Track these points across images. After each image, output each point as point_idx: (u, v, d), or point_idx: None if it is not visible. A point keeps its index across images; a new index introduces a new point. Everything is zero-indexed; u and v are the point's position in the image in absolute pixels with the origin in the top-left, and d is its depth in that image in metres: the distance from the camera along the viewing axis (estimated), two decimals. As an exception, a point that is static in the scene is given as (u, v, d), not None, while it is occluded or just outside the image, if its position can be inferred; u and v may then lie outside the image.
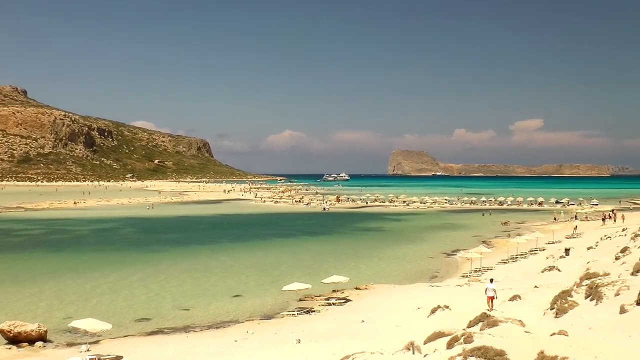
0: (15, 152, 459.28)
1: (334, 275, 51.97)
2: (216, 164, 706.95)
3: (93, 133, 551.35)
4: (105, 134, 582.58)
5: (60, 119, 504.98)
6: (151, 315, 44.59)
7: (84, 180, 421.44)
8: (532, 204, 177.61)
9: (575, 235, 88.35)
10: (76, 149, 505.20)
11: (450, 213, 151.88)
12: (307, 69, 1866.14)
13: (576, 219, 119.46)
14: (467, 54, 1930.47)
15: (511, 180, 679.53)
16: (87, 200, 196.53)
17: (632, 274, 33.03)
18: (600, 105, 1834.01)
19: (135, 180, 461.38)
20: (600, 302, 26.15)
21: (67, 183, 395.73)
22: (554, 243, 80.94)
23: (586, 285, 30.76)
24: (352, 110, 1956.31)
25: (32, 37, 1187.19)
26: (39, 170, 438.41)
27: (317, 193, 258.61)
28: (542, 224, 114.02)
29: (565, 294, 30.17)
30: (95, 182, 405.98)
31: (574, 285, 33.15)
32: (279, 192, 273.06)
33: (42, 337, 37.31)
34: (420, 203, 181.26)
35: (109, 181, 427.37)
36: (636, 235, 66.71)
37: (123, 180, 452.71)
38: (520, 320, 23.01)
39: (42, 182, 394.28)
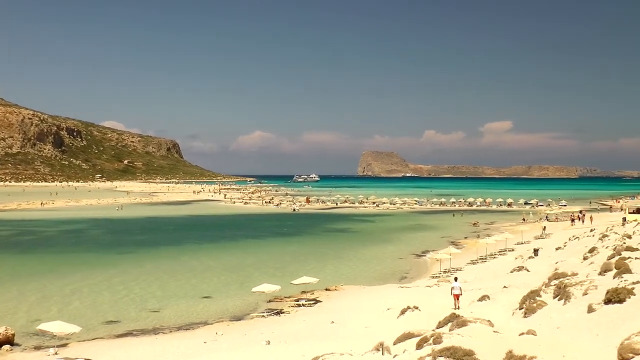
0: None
1: (303, 277, 51.96)
2: (186, 165, 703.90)
3: (62, 133, 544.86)
4: (74, 133, 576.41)
5: (29, 119, 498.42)
6: (120, 318, 44.25)
7: (52, 181, 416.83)
8: (501, 205, 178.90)
9: (544, 236, 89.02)
10: (45, 148, 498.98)
11: (419, 214, 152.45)
12: (276, 70, 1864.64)
13: (547, 219, 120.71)
14: (437, 56, 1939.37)
15: (480, 181, 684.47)
16: (56, 201, 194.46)
17: (600, 273, 33.29)
18: (569, 108, 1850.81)
19: (104, 181, 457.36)
20: (569, 302, 26.30)
21: (35, 183, 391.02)
22: (523, 244, 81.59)
23: (555, 285, 30.93)
24: (322, 111, 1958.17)
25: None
26: (7, 171, 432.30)
27: (287, 194, 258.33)
28: (511, 225, 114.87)
29: (533, 294, 30.32)
30: (64, 183, 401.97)
31: (543, 285, 33.33)
32: (249, 193, 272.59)
33: (10, 341, 36.78)
34: (390, 204, 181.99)
35: (78, 182, 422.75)
36: (604, 236, 67.48)
37: (92, 181, 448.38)
38: (489, 320, 23.06)
39: (10, 182, 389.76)
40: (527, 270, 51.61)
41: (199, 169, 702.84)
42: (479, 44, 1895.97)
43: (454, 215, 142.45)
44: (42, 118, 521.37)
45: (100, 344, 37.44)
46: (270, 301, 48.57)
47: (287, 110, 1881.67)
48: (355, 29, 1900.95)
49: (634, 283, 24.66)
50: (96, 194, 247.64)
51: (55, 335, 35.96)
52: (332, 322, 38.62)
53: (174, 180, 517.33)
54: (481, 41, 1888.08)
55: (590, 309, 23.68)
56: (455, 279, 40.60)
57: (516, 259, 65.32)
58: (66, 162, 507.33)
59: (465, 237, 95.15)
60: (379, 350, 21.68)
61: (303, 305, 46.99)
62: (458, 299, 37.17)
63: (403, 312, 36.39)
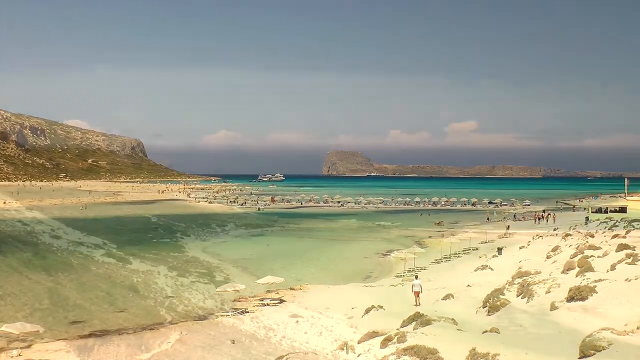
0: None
1: (268, 276, 51.79)
2: (150, 164, 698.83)
3: (25, 131, 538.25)
4: (38, 132, 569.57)
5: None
6: (85, 318, 43.73)
7: (15, 180, 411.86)
8: (465, 204, 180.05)
9: (508, 235, 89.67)
10: (8, 147, 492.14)
11: (384, 213, 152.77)
12: (242, 69, 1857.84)
13: (515, 218, 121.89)
14: (402, 56, 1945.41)
15: (445, 181, 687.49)
16: (19, 200, 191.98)
17: (563, 272, 33.64)
18: (534, 108, 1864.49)
19: (68, 180, 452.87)
20: (532, 300, 26.52)
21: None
22: (487, 243, 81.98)
23: (518, 283, 31.19)
24: (287, 110, 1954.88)
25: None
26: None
27: (251, 193, 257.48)
28: (476, 224, 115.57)
29: (497, 292, 30.52)
30: (27, 182, 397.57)
31: (506, 284, 33.59)
32: (214, 192, 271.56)
33: (-29, 343, 36.27)
34: (355, 203, 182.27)
35: (41, 181, 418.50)
36: (567, 235, 68.22)
37: (56, 180, 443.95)
38: (453, 319, 23.18)
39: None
40: (491, 269, 51.94)
41: (164, 168, 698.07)
42: (444, 45, 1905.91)
43: (421, 215, 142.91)
44: (5, 116, 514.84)
45: (64, 344, 37.03)
46: (235, 300, 48.38)
47: (253, 109, 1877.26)
48: (321, 29, 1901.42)
49: (596, 281, 24.91)
50: (60, 194, 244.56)
51: (18, 337, 35.48)
52: (297, 321, 38.63)
53: (138, 179, 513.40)
54: (446, 42, 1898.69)
55: (553, 307, 23.86)
56: (416, 277, 41.49)
57: (480, 257, 65.67)
58: (29, 161, 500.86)
59: (430, 237, 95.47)
60: (343, 349, 21.70)
61: (268, 304, 46.88)
62: (418, 296, 37.78)
63: (367, 311, 36.44)
